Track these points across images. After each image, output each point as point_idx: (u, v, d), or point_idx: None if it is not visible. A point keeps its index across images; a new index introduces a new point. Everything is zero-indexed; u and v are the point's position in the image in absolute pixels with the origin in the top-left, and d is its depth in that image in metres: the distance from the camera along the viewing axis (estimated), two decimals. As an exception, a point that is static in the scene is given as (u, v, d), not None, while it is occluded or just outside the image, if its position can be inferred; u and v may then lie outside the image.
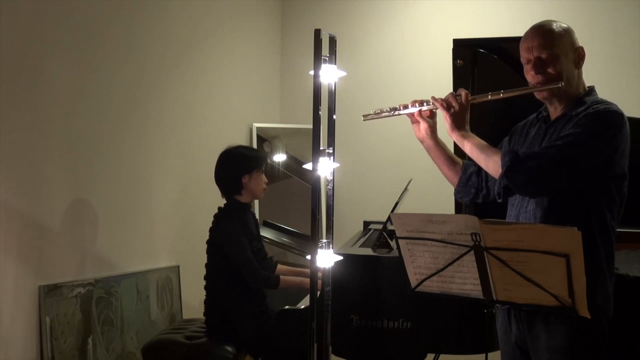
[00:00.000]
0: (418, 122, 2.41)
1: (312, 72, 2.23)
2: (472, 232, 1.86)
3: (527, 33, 2.20)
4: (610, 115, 2.08)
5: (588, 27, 4.26)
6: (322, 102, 2.23)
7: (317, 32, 2.18)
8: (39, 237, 2.92)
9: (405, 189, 3.26)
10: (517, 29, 4.59)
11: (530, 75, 2.19)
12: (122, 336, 3.33)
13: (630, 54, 4.30)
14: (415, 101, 2.39)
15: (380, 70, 4.81)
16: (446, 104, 2.27)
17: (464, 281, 1.97)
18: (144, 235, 3.63)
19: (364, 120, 2.45)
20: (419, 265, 2.02)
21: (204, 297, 3.22)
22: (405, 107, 2.39)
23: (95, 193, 3.26)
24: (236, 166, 3.23)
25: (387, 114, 2.40)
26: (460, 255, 1.92)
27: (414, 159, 4.56)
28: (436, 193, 3.95)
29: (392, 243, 2.92)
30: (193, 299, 3.91)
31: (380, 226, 3.18)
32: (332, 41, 2.34)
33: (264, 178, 3.30)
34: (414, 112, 2.39)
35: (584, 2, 4.38)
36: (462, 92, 2.28)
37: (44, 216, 2.95)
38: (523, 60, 2.20)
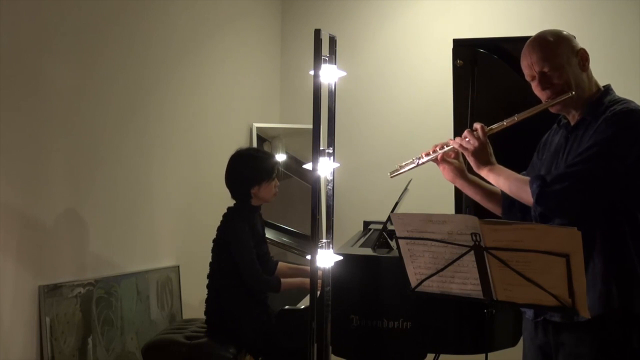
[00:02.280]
0: (444, 165, 2.34)
1: (312, 72, 2.23)
2: (472, 232, 1.86)
3: (524, 50, 2.15)
4: (629, 115, 2.01)
5: (588, 27, 4.26)
6: (322, 102, 2.22)
7: (317, 32, 2.18)
8: (39, 237, 2.92)
9: (405, 189, 3.26)
10: (517, 29, 4.62)
11: (538, 92, 2.14)
12: (122, 336, 3.33)
13: (630, 54, 4.29)
14: (436, 145, 2.33)
15: (380, 70, 4.81)
16: (464, 143, 2.20)
17: (464, 281, 1.97)
18: (144, 235, 3.63)
19: (391, 177, 2.39)
20: (419, 265, 2.02)
21: (205, 297, 3.22)
22: (428, 154, 2.33)
23: (96, 193, 3.26)
24: (245, 177, 3.19)
25: (412, 165, 2.33)
26: (460, 255, 1.92)
27: (414, 159, 4.57)
28: (436, 193, 3.95)
29: (392, 243, 2.92)
30: (193, 299, 3.91)
31: (380, 226, 3.18)
32: (332, 41, 2.34)
33: (275, 183, 3.26)
34: (437, 157, 2.32)
35: (583, 2, 4.38)
36: (478, 126, 2.20)
37: (44, 216, 2.95)
38: (527, 77, 2.16)
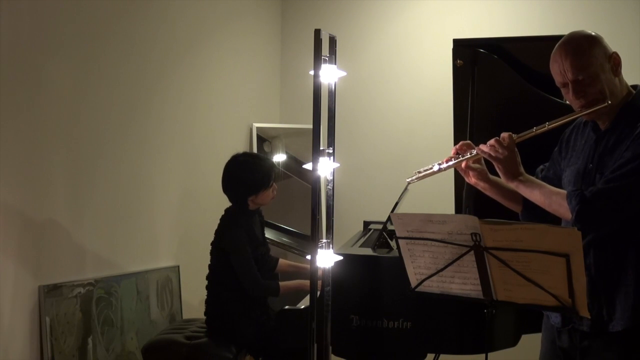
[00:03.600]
0: (469, 170, 2.30)
1: (312, 72, 2.23)
2: (472, 232, 1.86)
3: (555, 54, 2.08)
4: None
5: (588, 27, 4.25)
6: (322, 102, 2.22)
7: (317, 32, 2.18)
8: (39, 237, 2.92)
9: (405, 188, 3.25)
10: (517, 29, 4.61)
11: (569, 99, 2.10)
12: (122, 336, 3.33)
13: (630, 54, 4.29)
14: (457, 152, 2.28)
15: (380, 70, 4.81)
16: (493, 152, 2.14)
17: (464, 281, 1.97)
18: (144, 235, 3.63)
19: (408, 183, 2.37)
20: (419, 265, 2.02)
21: (205, 297, 3.22)
22: (449, 160, 2.28)
23: (96, 193, 3.26)
24: (241, 186, 3.18)
25: (431, 171, 2.29)
26: (460, 255, 1.92)
27: (414, 159, 4.57)
28: (436, 193, 3.95)
29: (392, 243, 2.92)
30: (193, 299, 3.91)
31: (380, 226, 3.18)
32: (332, 41, 2.35)
33: (273, 188, 3.25)
34: (461, 164, 2.27)
35: (583, 2, 4.37)
36: (505, 136, 2.15)
37: (44, 216, 2.95)
38: (557, 83, 2.10)
